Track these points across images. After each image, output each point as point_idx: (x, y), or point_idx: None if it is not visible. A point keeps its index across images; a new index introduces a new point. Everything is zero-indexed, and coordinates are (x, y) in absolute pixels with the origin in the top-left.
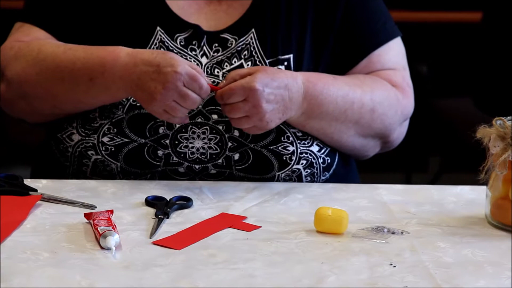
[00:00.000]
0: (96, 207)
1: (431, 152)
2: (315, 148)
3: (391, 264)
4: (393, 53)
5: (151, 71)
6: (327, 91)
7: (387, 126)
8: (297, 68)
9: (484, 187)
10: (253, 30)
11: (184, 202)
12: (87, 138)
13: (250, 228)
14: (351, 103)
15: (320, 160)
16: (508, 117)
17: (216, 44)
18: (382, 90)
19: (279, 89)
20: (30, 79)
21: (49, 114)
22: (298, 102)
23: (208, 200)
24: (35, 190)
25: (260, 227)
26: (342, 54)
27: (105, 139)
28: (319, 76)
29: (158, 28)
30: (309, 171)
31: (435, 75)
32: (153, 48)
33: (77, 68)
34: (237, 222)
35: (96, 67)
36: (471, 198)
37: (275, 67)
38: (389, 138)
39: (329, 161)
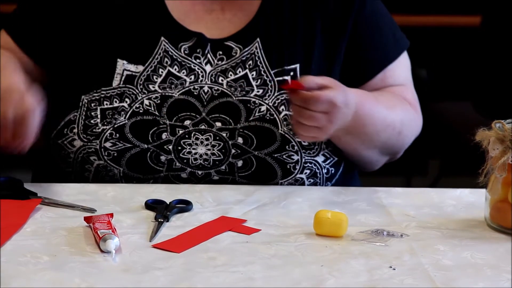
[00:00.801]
0: (96, 210)
1: (431, 155)
2: (320, 158)
3: (391, 267)
4: (403, 67)
5: None
6: (372, 113)
7: (404, 146)
8: None
9: (483, 190)
10: (258, 39)
11: (184, 206)
12: (89, 144)
13: (249, 231)
14: (387, 125)
15: (324, 171)
16: (507, 120)
17: (221, 52)
18: (407, 113)
19: (347, 108)
20: None
21: None
22: (349, 120)
23: (208, 203)
24: (35, 194)
25: (260, 230)
26: (356, 67)
27: (108, 144)
28: (366, 95)
29: (162, 38)
30: (312, 180)
31: (434, 79)
32: (157, 58)
33: None
34: (236, 225)
35: None
36: (471, 201)
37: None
38: (399, 154)
39: (333, 171)
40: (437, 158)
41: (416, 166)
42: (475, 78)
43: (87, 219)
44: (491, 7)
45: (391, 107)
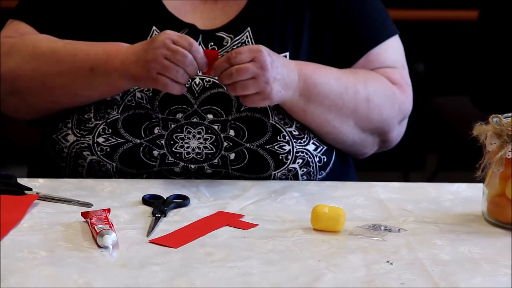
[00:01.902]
0: (92, 205)
1: (429, 150)
2: (311, 147)
3: (388, 262)
4: (392, 51)
5: (145, 43)
6: (319, 72)
7: (385, 119)
8: None
9: (480, 185)
10: (248, 28)
11: (181, 201)
12: (82, 139)
13: (247, 226)
14: (345, 87)
15: (316, 159)
16: (505, 115)
17: (212, 43)
18: (376, 81)
19: (281, 64)
20: (25, 75)
21: (42, 109)
22: (295, 81)
23: (205, 198)
24: (30, 189)
25: (257, 225)
26: (340, 53)
27: (100, 140)
28: (308, 62)
29: (154, 27)
30: (305, 170)
31: (432, 74)
32: None
33: (78, 59)
34: (234, 220)
35: (99, 55)
36: (468, 196)
37: None
38: (388, 135)
39: (325, 160)
40: (434, 153)
41: (413, 161)
42: (473, 72)
43: (84, 214)
44: (489, 1)
45: (348, 72)
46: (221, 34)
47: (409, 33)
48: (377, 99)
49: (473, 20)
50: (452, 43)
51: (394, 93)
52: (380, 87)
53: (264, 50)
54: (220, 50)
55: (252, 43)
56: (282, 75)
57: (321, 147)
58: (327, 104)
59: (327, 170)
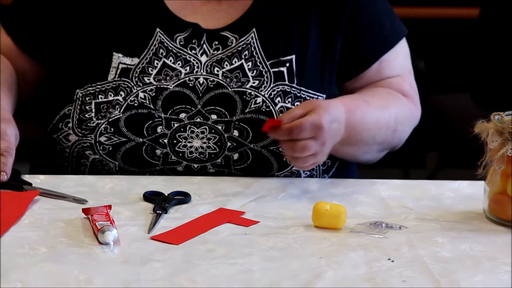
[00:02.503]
0: (87, 201)
1: (429, 148)
2: None
3: (389, 259)
4: (401, 56)
5: None
6: (363, 119)
7: (402, 140)
8: (300, 69)
9: (482, 182)
10: (254, 29)
11: (182, 198)
12: (84, 138)
13: (248, 223)
14: (380, 127)
15: (320, 163)
16: (506, 112)
17: (216, 42)
18: (403, 109)
19: (335, 123)
20: None
21: None
22: (342, 133)
23: (206, 195)
24: (30, 184)
25: (258, 222)
26: (352, 57)
27: (102, 139)
28: (355, 102)
29: (158, 29)
30: (308, 173)
31: (433, 71)
32: (152, 49)
33: None
34: (235, 217)
35: None
36: (469, 193)
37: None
38: (397, 148)
39: (329, 164)
40: (434, 151)
41: (414, 158)
42: (474, 70)
43: (85, 210)
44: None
45: (384, 106)
46: (226, 33)
47: (411, 31)
48: (401, 128)
49: (474, 18)
50: (453, 41)
51: (412, 114)
52: (406, 115)
53: (325, 125)
54: (224, 51)
55: (257, 45)
56: (336, 139)
57: None
58: (360, 145)
59: (330, 173)
